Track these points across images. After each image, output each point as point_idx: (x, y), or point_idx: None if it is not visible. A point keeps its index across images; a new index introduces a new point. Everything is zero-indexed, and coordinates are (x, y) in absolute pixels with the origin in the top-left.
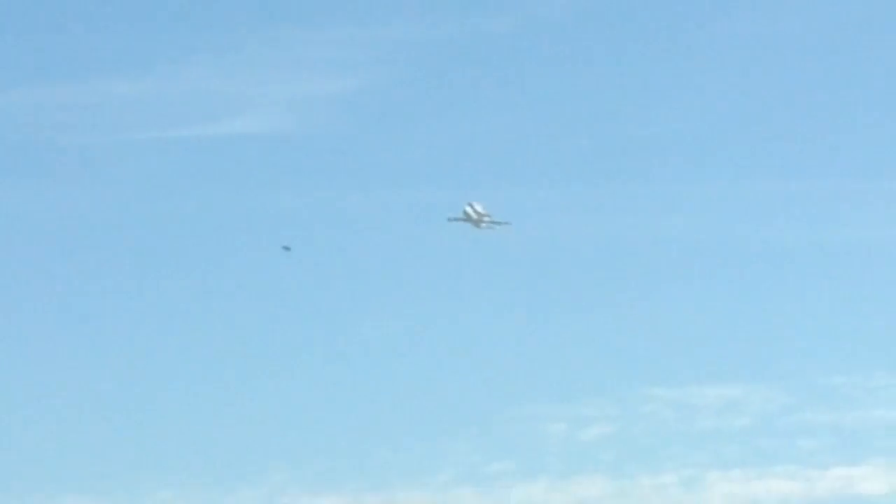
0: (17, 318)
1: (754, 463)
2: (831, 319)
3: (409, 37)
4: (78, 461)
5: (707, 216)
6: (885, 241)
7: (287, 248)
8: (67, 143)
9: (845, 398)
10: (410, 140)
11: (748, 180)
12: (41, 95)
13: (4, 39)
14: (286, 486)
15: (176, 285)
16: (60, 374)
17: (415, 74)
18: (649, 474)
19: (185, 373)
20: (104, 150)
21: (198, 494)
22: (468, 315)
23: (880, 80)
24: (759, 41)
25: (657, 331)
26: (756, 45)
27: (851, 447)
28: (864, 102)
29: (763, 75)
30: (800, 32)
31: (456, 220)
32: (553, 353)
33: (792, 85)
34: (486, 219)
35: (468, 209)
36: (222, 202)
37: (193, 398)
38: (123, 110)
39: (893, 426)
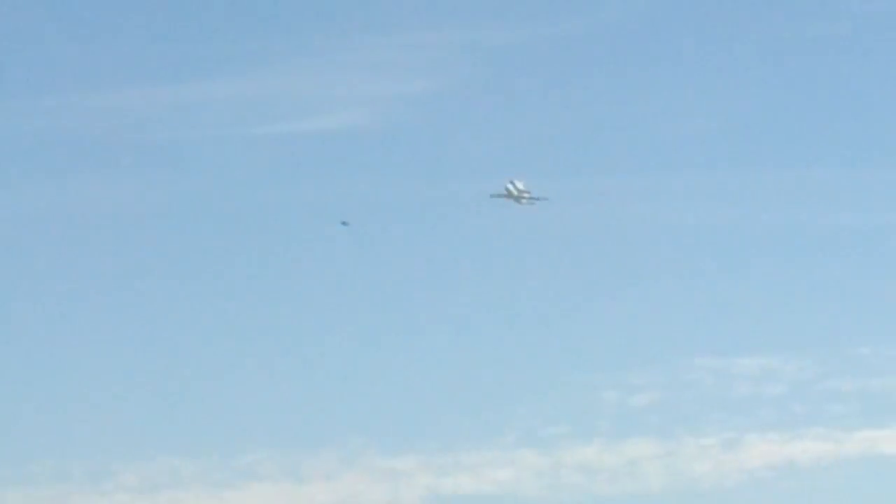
0: (117, 307)
1: (788, 426)
2: (857, 295)
3: (472, 41)
4: (177, 424)
5: (742, 203)
6: None
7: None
8: (167, 139)
9: (870, 366)
10: (477, 135)
11: (777, 169)
12: (143, 95)
13: (109, 44)
14: (364, 448)
15: (267, 271)
16: (168, 355)
17: (479, 75)
18: (693, 436)
19: (273, 344)
20: (201, 146)
21: (283, 457)
22: (528, 291)
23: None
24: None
25: (699, 306)
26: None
27: (877, 412)
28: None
29: (790, 78)
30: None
31: (499, 196)
32: (604, 326)
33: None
34: (525, 195)
35: (509, 186)
36: (308, 193)
37: (279, 367)
38: (218, 109)
39: None
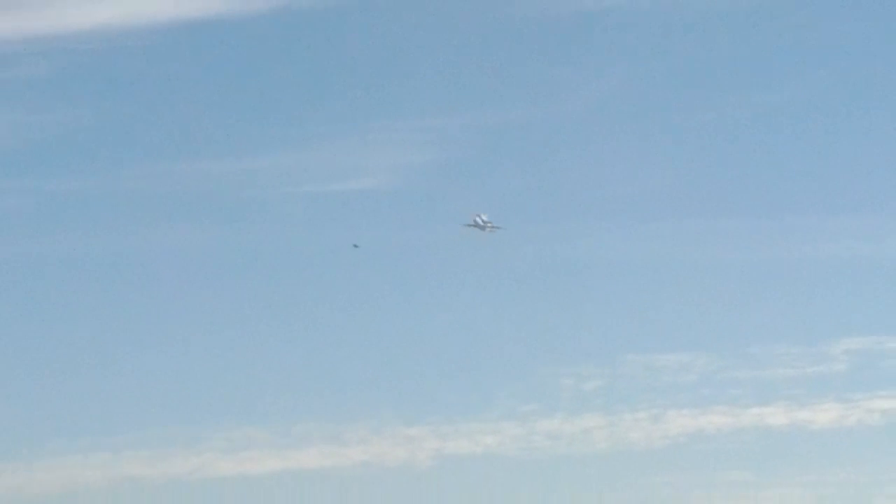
0: (215, 315)
1: (698, 404)
2: (747, 305)
3: (471, 122)
4: (252, 401)
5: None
6: None
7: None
8: (243, 197)
9: (758, 360)
10: (469, 191)
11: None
12: (226, 162)
13: (206, 123)
14: (388, 419)
15: (311, 299)
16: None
17: (475, 148)
18: (629, 412)
19: (322, 344)
20: (265, 202)
21: (328, 427)
22: (504, 302)
23: None
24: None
25: (631, 314)
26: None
27: (763, 394)
28: None
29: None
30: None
31: (468, 225)
32: (562, 331)
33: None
34: (488, 224)
35: (476, 218)
36: (342, 236)
37: (327, 360)
38: (279, 173)
39: (789, 381)
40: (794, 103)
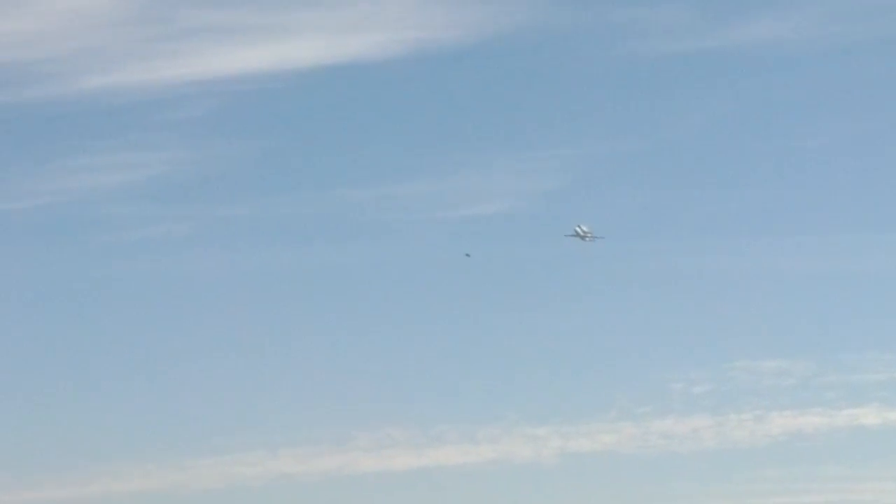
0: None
1: (797, 406)
2: (841, 311)
3: (583, 153)
4: (394, 404)
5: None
6: None
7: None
8: (387, 220)
9: (851, 367)
10: (584, 211)
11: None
12: (370, 191)
13: (357, 155)
14: (517, 420)
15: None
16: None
17: (598, 173)
18: (735, 413)
19: (462, 355)
20: (406, 225)
21: (463, 427)
22: (620, 314)
23: None
24: None
25: (737, 325)
26: None
27: (855, 398)
28: None
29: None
30: None
31: (570, 235)
32: (673, 340)
33: None
34: (588, 234)
35: (577, 228)
36: (475, 256)
37: (465, 368)
38: (418, 199)
39: (880, 384)
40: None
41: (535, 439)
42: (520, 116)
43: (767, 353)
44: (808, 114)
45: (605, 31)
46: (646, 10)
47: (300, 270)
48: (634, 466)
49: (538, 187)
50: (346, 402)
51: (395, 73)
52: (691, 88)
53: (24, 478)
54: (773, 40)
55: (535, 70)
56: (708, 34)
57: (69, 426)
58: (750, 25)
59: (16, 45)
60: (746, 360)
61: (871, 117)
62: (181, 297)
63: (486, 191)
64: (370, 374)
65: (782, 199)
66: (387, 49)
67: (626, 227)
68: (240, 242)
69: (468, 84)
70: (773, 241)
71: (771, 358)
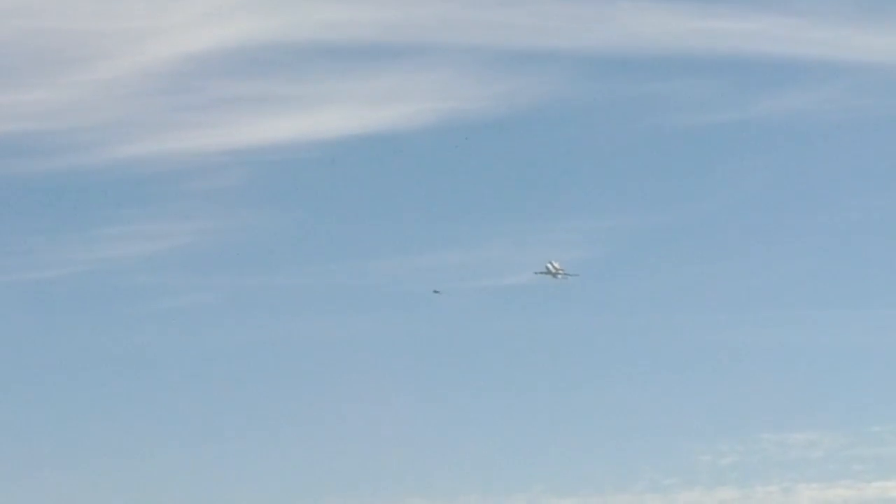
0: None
1: (826, 478)
2: (873, 386)
3: (612, 225)
4: (418, 478)
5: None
6: None
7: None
8: (412, 290)
9: (882, 439)
10: (624, 283)
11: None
12: (400, 261)
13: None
14: (542, 492)
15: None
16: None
17: (616, 248)
18: (761, 486)
19: (484, 425)
20: (438, 297)
21: (485, 500)
22: (645, 379)
23: None
24: None
25: (763, 397)
26: None
27: (886, 469)
28: None
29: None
30: None
31: (540, 273)
32: (700, 411)
33: None
34: (560, 272)
35: (548, 265)
36: (505, 322)
37: (491, 442)
38: (447, 269)
39: None
40: None
41: None
42: (551, 187)
43: (795, 425)
44: (839, 186)
45: (634, 104)
46: (674, 82)
47: (328, 341)
48: None
49: (567, 258)
50: (370, 472)
51: (424, 143)
52: (719, 161)
53: None
54: (801, 112)
55: (565, 142)
56: (735, 106)
57: (90, 498)
58: (778, 98)
59: (45, 114)
60: (774, 432)
61: None
62: (208, 366)
63: (515, 262)
64: (396, 444)
65: (813, 272)
66: (416, 120)
67: (656, 300)
68: (268, 312)
69: (498, 155)
70: (802, 313)
71: (799, 430)
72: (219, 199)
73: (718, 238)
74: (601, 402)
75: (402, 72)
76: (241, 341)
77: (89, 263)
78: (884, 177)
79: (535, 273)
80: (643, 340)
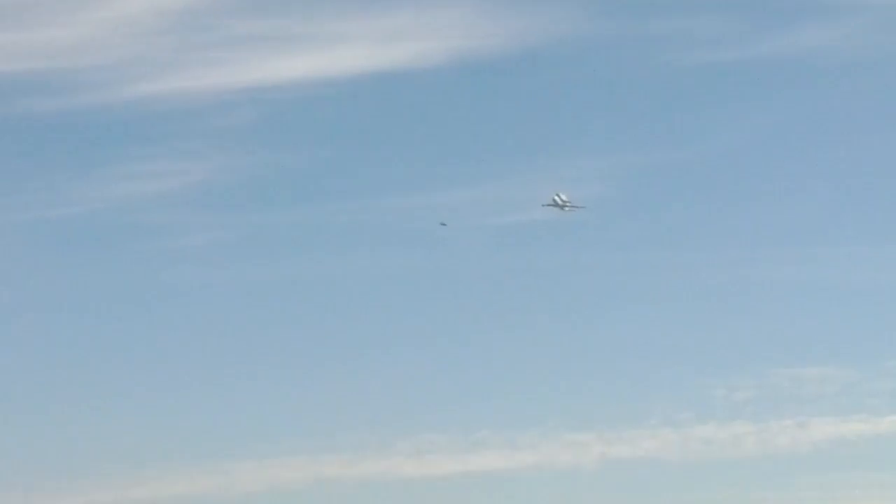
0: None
1: (840, 413)
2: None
3: (629, 161)
4: (432, 410)
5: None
6: None
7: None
8: (430, 227)
9: (895, 373)
10: (636, 221)
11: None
12: (422, 197)
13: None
14: (557, 427)
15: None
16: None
17: (640, 184)
18: (776, 420)
19: (501, 358)
20: (458, 231)
21: (503, 434)
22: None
23: None
24: None
25: (776, 330)
26: None
27: None
28: None
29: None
30: None
31: (547, 205)
32: (715, 345)
33: None
34: (567, 204)
35: (556, 197)
36: (519, 259)
37: (504, 374)
38: (469, 205)
39: None
40: None
41: (576, 445)
42: (562, 125)
43: (810, 359)
44: (857, 123)
45: (648, 41)
46: (690, 19)
47: (342, 278)
48: (675, 473)
49: (579, 195)
50: (387, 408)
51: (438, 81)
52: (736, 98)
53: (67, 483)
54: (819, 49)
55: (578, 79)
56: (753, 43)
57: (112, 431)
58: (796, 34)
59: (60, 53)
60: (789, 367)
61: None
62: (223, 304)
63: (525, 199)
64: (411, 380)
65: (829, 209)
66: (430, 57)
67: (669, 237)
68: (281, 250)
69: (511, 92)
70: (816, 250)
71: (813, 364)
72: (232, 137)
73: (732, 175)
74: (614, 337)
75: (415, 10)
76: (255, 279)
77: (105, 202)
78: None
79: (543, 205)
80: (656, 276)
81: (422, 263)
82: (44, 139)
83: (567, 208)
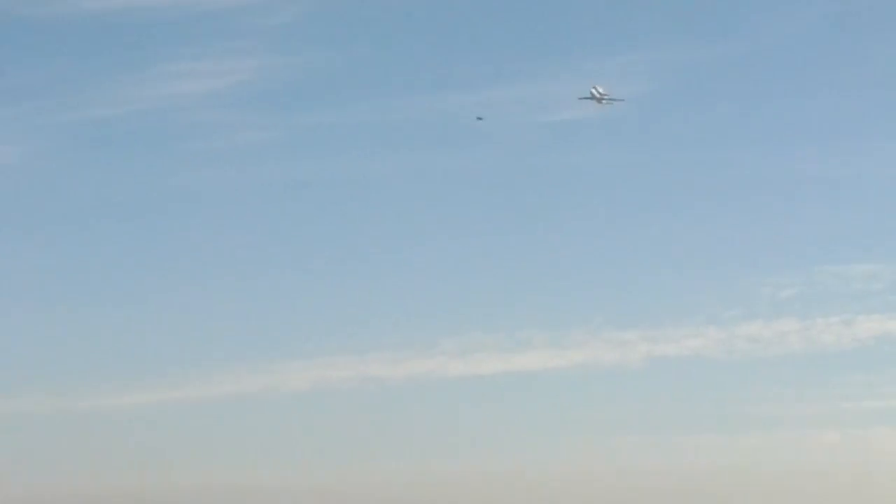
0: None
1: (887, 310)
2: None
3: (663, 59)
4: (479, 309)
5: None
6: None
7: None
8: (479, 125)
9: None
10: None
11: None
12: (462, 96)
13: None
14: (603, 324)
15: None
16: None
17: (687, 80)
18: (822, 317)
19: (552, 260)
20: (498, 128)
21: (550, 333)
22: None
23: None
24: None
25: (826, 229)
26: None
27: None
28: None
29: None
30: None
31: (584, 98)
32: (760, 244)
33: None
34: (605, 97)
35: (593, 90)
36: (562, 157)
37: (551, 275)
38: (509, 102)
39: None
40: None
41: (621, 344)
42: (600, 23)
43: (856, 257)
44: None
45: None
46: None
47: (389, 177)
48: (720, 370)
49: (629, 92)
50: (433, 308)
51: None
52: None
53: (120, 382)
54: None
55: None
56: None
57: (162, 332)
58: None
59: None
60: (834, 265)
61: None
62: (271, 203)
63: (563, 96)
64: (458, 280)
65: (875, 104)
66: None
67: (715, 134)
68: (329, 149)
69: None
70: (864, 146)
71: (859, 262)
72: (278, 36)
73: (776, 72)
74: (661, 235)
75: None
76: (301, 178)
77: (148, 101)
78: None
79: (580, 98)
80: (702, 174)
81: (470, 161)
82: (90, 40)
83: (605, 101)
